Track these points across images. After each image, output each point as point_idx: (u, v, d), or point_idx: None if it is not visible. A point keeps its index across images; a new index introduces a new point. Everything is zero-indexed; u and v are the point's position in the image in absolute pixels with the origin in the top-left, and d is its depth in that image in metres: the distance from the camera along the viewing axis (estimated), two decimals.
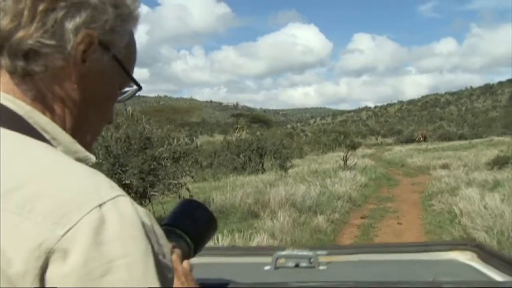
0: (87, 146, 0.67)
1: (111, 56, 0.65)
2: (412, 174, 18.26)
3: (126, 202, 0.53)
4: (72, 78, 0.63)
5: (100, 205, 0.51)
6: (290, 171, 17.84)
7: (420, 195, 12.30)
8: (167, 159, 8.55)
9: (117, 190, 0.54)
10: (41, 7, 0.59)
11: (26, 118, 0.60)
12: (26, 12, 0.58)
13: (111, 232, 0.50)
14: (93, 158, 0.66)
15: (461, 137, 65.02)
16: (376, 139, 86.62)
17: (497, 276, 1.36)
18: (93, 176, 0.55)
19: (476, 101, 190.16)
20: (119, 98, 0.72)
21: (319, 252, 1.54)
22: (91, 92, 0.65)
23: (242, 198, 9.77)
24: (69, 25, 0.60)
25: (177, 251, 0.89)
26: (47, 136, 0.61)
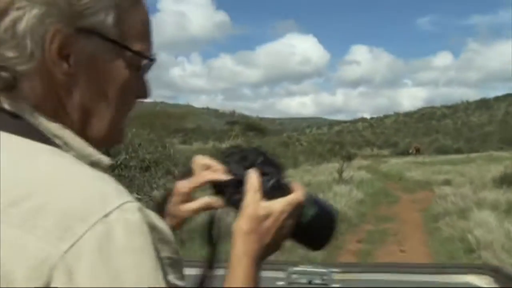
0: (105, 142, 0.66)
1: (99, 39, 0.61)
2: (411, 190, 17.03)
3: (133, 209, 0.51)
4: (60, 77, 0.60)
5: (105, 215, 0.49)
6: None
7: (422, 214, 11.08)
8: (134, 169, 7.31)
9: (125, 196, 0.52)
10: None
11: (35, 124, 0.59)
12: None
13: (118, 244, 0.48)
14: (106, 160, 0.62)
15: (457, 150, 64.08)
16: (372, 150, 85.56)
17: None
18: (99, 182, 0.53)
19: (472, 115, 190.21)
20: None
21: (333, 270, 1.53)
22: (88, 84, 0.62)
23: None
24: (25, 31, 0.57)
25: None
26: (58, 142, 0.59)
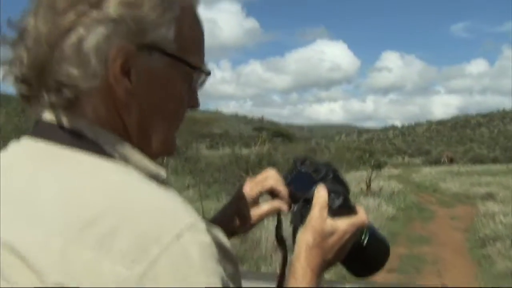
0: (159, 154, 0.66)
1: (159, 54, 0.61)
2: (448, 204, 15.33)
3: (203, 229, 0.52)
4: (121, 94, 0.59)
5: (177, 235, 0.49)
6: None
7: (464, 235, 9.50)
8: None
9: (192, 215, 0.52)
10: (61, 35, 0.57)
11: (95, 140, 0.59)
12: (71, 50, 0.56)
13: (193, 267, 0.49)
14: (164, 173, 0.62)
15: (494, 160, 61.26)
16: (403, 158, 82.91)
17: None
18: (168, 200, 0.54)
19: (509, 124, 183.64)
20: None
21: None
22: (148, 99, 0.62)
23: None
24: (91, 49, 0.56)
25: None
26: (117, 156, 0.59)
